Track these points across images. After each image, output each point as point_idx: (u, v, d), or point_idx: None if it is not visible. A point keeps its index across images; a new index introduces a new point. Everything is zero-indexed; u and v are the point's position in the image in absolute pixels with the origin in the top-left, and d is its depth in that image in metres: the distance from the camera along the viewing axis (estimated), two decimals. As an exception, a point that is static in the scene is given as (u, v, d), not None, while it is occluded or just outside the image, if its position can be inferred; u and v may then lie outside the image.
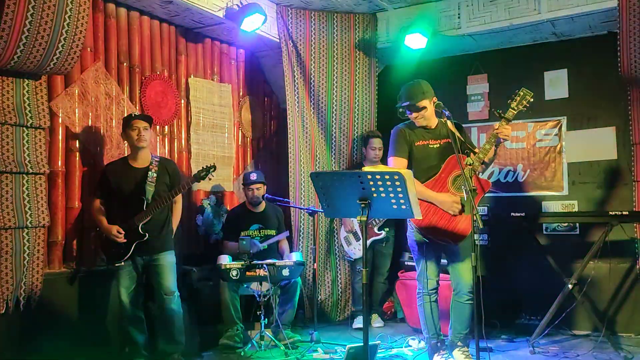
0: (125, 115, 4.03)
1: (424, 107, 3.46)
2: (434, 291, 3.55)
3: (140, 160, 3.75)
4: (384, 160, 4.77)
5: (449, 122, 3.35)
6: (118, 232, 3.59)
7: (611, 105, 4.76)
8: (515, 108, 3.36)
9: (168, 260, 3.72)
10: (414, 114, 3.49)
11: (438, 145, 3.50)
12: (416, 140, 3.52)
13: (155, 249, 3.68)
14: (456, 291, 3.51)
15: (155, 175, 3.71)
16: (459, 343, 3.56)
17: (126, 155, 3.92)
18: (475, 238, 3.01)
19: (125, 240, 3.59)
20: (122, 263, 3.60)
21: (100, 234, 3.75)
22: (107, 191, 3.73)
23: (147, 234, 3.61)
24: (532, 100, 3.35)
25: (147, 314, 3.79)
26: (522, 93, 3.38)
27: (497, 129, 3.31)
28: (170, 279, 3.69)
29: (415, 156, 3.52)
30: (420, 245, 3.50)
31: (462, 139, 3.43)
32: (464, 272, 3.44)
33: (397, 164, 3.46)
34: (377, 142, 4.95)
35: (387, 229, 4.93)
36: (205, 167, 3.77)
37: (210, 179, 3.87)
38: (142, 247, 3.63)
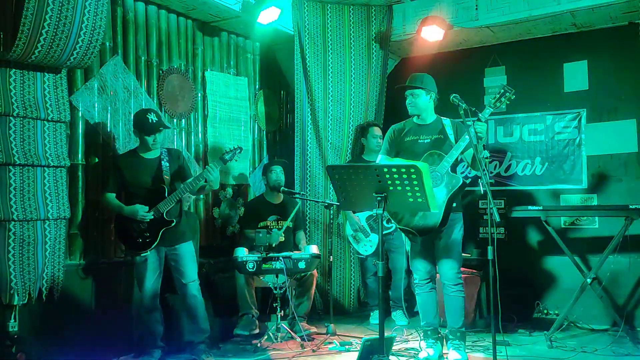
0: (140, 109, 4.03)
1: (417, 95, 3.60)
2: (425, 282, 3.68)
3: (151, 151, 3.74)
4: None
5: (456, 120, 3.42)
6: (143, 210, 3.55)
7: (632, 97, 4.68)
8: (492, 106, 3.37)
9: (188, 249, 3.75)
10: (408, 99, 3.65)
11: (429, 140, 3.60)
12: (407, 137, 3.69)
13: (176, 239, 3.71)
14: (443, 285, 3.62)
15: (168, 164, 3.74)
16: (451, 337, 3.60)
17: (135, 147, 3.83)
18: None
19: (153, 217, 3.57)
20: (148, 253, 3.59)
21: (117, 225, 3.71)
22: (121, 184, 3.70)
23: (174, 220, 3.63)
24: (513, 97, 3.32)
25: (164, 306, 3.81)
26: (502, 90, 3.40)
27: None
28: (191, 267, 3.72)
29: (405, 150, 3.65)
30: (409, 237, 3.68)
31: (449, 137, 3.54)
32: (445, 267, 3.58)
33: (380, 160, 3.77)
34: (378, 130, 4.88)
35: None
36: (230, 148, 3.78)
37: (236, 161, 3.86)
38: (165, 236, 3.64)
